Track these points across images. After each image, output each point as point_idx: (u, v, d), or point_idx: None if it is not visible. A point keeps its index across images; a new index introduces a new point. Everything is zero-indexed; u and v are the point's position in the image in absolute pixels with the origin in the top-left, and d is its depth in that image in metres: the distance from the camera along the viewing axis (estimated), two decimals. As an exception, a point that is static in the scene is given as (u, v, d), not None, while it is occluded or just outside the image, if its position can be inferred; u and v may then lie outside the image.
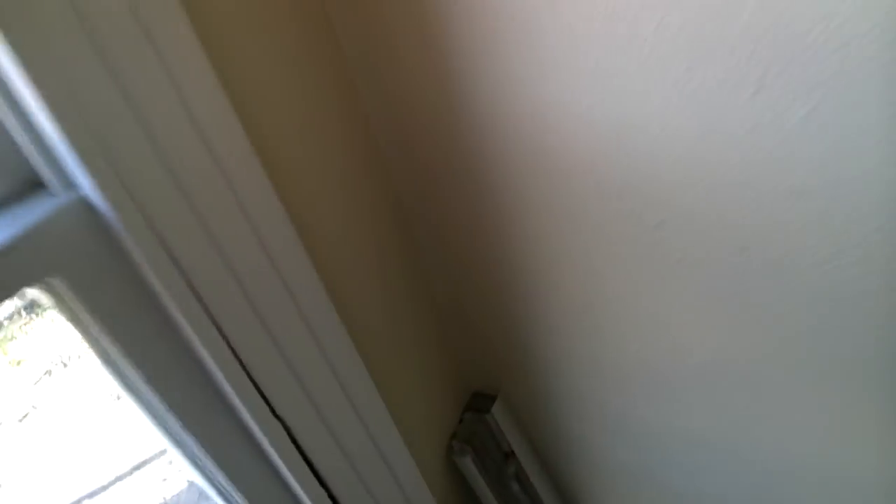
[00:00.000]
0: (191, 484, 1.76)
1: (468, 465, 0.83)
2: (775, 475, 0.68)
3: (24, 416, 2.39)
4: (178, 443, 0.52)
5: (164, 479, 1.90)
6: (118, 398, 2.26)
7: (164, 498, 1.84)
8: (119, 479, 1.96)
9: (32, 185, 0.41)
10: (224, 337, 0.49)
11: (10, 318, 2.73)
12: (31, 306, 2.60)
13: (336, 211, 0.63)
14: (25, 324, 2.71)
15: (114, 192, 0.39)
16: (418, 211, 0.71)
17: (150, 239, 0.42)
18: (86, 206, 0.40)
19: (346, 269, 0.65)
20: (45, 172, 0.39)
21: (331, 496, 0.63)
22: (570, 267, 0.63)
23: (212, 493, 0.57)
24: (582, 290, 0.64)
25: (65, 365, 2.56)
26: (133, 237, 0.41)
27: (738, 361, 0.59)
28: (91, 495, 1.94)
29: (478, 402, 0.87)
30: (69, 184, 0.40)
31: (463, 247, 0.71)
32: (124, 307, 0.44)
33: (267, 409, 0.54)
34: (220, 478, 0.54)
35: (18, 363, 2.60)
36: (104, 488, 1.95)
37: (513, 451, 0.87)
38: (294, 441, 0.57)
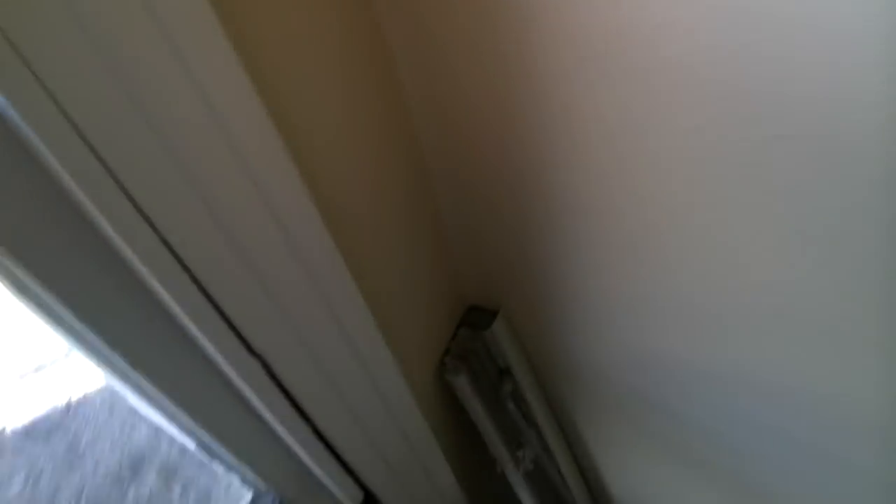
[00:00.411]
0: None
1: (462, 383, 0.76)
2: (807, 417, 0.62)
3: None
4: (127, 378, 0.42)
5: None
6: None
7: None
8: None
9: None
10: (173, 253, 0.37)
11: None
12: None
13: (334, 95, 0.49)
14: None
15: None
16: (420, 94, 0.57)
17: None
18: None
19: (332, 156, 0.52)
20: None
21: (307, 419, 0.55)
22: (608, 171, 0.51)
23: (171, 428, 0.48)
24: (618, 200, 0.53)
25: None
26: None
27: (814, 307, 0.50)
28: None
29: (473, 317, 0.79)
30: None
31: (471, 138, 0.58)
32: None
33: (234, 338, 0.43)
34: (184, 419, 0.45)
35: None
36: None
37: (510, 370, 0.80)
38: (269, 372, 0.48)
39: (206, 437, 0.47)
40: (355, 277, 0.54)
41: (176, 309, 0.39)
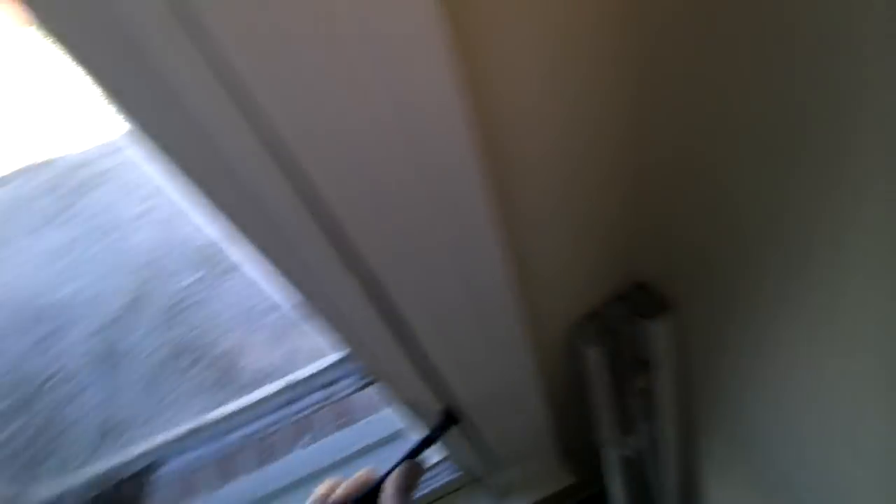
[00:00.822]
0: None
1: (590, 354, 0.67)
2: None
3: None
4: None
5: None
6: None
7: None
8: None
9: None
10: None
11: None
12: None
13: None
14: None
15: None
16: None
17: None
18: None
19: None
20: None
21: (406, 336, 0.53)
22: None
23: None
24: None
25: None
26: None
27: None
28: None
29: (639, 297, 0.65)
30: None
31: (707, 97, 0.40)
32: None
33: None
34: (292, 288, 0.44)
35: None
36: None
37: (650, 364, 0.68)
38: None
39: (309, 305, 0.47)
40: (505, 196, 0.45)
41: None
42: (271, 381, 0.91)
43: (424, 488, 0.98)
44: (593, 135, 0.48)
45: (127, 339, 2.38)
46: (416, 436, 0.63)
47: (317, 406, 0.92)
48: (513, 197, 0.49)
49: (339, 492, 0.54)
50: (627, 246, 0.62)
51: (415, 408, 0.66)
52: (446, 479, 0.97)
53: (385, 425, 1.04)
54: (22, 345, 2.45)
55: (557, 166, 0.49)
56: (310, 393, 0.92)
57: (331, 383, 0.91)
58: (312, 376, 0.91)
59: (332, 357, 0.90)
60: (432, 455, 0.93)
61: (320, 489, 0.55)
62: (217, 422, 0.92)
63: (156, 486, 1.01)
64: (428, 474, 0.97)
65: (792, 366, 0.51)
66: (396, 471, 0.55)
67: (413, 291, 0.48)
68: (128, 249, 2.86)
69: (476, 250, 0.47)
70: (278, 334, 2.13)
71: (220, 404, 0.91)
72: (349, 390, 0.91)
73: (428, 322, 0.52)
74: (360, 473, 0.56)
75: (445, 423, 0.65)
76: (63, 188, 3.79)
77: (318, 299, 0.46)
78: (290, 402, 0.92)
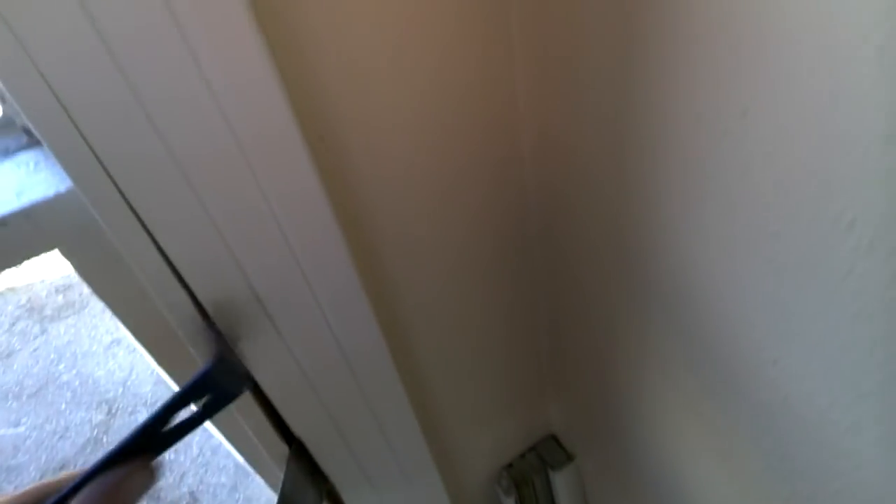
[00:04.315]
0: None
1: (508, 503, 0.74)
2: None
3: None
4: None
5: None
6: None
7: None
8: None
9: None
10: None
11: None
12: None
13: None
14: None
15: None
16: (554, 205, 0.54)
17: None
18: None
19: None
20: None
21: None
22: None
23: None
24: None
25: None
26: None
27: None
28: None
29: (549, 448, 0.74)
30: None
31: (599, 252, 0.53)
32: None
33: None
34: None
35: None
36: None
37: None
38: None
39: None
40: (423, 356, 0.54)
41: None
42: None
43: None
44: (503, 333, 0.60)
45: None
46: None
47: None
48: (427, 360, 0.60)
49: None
50: (542, 399, 0.72)
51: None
52: None
53: None
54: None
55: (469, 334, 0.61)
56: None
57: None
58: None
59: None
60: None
61: None
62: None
63: None
64: None
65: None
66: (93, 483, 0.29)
67: (335, 449, 0.56)
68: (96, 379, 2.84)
69: (393, 412, 0.57)
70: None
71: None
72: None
73: (353, 479, 0.60)
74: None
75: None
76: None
77: None
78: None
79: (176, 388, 0.44)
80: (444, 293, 0.54)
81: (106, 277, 0.39)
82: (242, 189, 0.35)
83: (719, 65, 0.27)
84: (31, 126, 0.30)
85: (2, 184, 0.39)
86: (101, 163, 0.31)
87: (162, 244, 0.34)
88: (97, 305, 3.90)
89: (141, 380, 2.81)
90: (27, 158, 0.43)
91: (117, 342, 3.29)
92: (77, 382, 3.00)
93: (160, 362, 0.44)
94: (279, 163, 0.35)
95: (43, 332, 3.62)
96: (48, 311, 3.96)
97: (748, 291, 0.34)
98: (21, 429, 2.66)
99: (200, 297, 0.37)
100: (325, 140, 0.39)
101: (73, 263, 0.39)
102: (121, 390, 2.75)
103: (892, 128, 0.21)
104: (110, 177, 0.31)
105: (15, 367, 3.27)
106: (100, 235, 0.35)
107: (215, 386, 0.33)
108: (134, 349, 3.06)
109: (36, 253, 0.39)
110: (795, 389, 0.34)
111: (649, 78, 0.32)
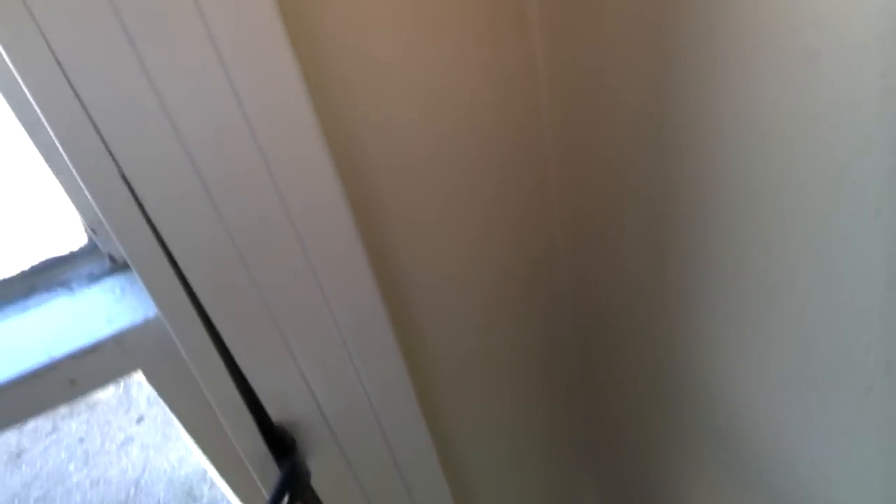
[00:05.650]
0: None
1: None
2: None
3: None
4: None
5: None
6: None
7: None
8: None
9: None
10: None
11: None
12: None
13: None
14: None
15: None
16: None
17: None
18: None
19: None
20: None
21: None
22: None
23: None
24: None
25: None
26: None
27: None
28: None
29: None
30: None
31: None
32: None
33: None
34: None
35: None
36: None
37: None
38: None
39: None
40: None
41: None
42: None
43: None
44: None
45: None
46: None
47: None
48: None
49: None
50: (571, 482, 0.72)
51: None
52: None
53: None
54: None
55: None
56: None
57: None
58: None
59: None
60: None
61: None
62: None
63: None
64: None
65: None
66: None
67: None
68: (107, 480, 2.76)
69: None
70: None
71: None
72: None
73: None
74: None
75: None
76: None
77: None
78: None
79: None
80: (486, 407, 0.57)
81: (184, 399, 0.43)
82: (318, 318, 0.39)
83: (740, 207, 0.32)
84: (129, 261, 0.35)
85: (92, 309, 0.44)
86: (191, 294, 0.35)
87: (244, 369, 0.38)
88: (111, 401, 3.88)
89: (154, 479, 2.73)
90: (112, 284, 0.47)
91: (130, 440, 3.24)
92: (88, 483, 2.92)
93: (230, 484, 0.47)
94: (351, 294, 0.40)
95: (55, 429, 3.57)
96: (61, 408, 3.88)
97: (778, 400, 0.36)
98: (27, 535, 2.57)
99: (273, 415, 0.40)
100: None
101: (152, 383, 0.43)
102: (133, 491, 2.68)
103: (892, 274, 0.25)
104: (198, 306, 0.36)
105: (24, 468, 3.20)
106: (180, 358, 0.39)
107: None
108: (148, 446, 3.01)
109: (121, 375, 0.42)
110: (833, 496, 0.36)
111: (682, 237, 0.37)
